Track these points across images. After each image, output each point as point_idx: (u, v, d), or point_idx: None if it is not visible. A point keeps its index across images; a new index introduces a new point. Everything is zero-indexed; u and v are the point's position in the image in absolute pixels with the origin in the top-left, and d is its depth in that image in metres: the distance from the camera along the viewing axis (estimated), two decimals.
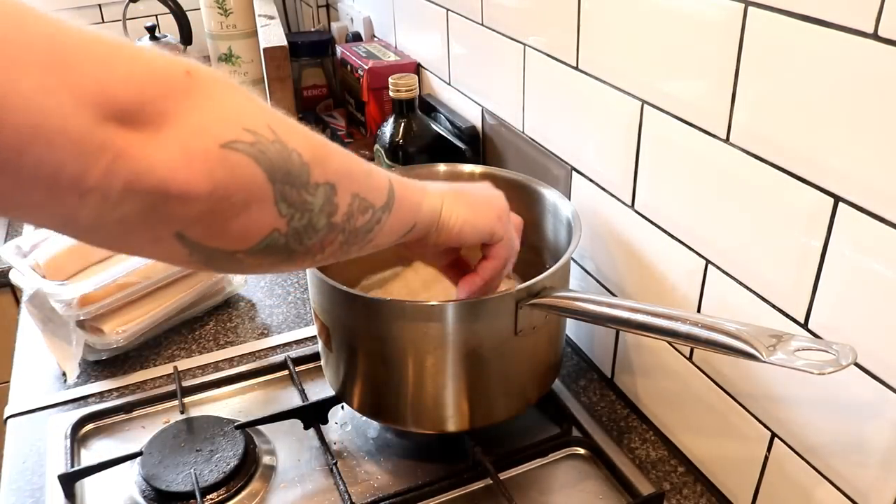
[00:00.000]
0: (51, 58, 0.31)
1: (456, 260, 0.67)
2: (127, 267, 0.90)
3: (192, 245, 0.39)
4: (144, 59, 0.35)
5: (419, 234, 0.57)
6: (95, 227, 0.36)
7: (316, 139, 0.44)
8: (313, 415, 0.78)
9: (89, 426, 0.82)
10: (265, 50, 1.14)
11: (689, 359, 0.71)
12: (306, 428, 0.78)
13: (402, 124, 1.00)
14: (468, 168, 0.88)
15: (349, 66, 1.26)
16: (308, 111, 1.49)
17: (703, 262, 0.66)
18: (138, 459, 0.75)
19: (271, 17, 1.34)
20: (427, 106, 1.14)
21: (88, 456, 0.78)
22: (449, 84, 1.10)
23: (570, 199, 0.82)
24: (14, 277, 0.93)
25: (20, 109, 0.30)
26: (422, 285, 0.83)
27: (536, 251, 0.84)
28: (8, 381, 0.89)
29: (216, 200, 0.37)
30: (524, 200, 0.83)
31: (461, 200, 0.59)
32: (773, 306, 0.59)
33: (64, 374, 0.88)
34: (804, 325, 0.57)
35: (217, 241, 0.40)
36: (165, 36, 1.54)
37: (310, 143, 0.43)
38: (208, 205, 0.37)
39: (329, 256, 0.48)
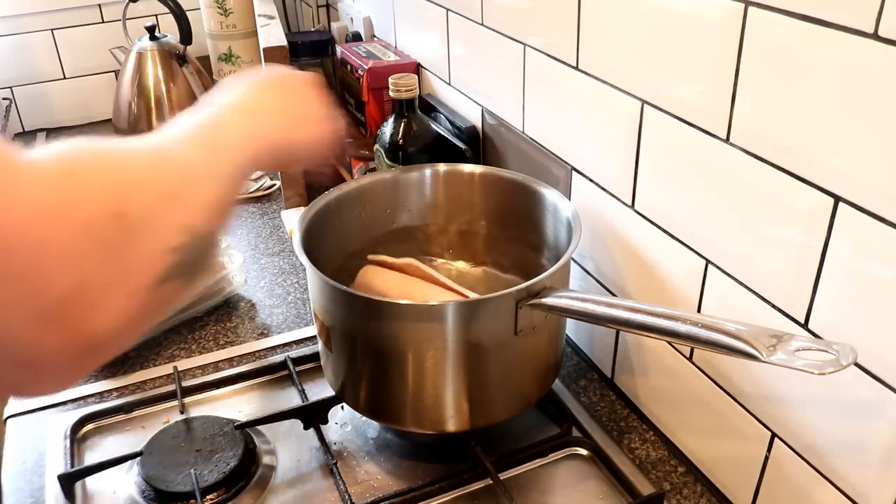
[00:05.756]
0: None
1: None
2: None
3: None
4: None
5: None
6: None
7: None
8: (313, 415, 0.78)
9: (89, 426, 0.82)
10: (265, 50, 1.14)
11: (689, 359, 0.71)
12: (306, 428, 0.78)
13: (402, 124, 1.00)
14: (468, 168, 0.88)
15: (349, 66, 1.26)
16: None
17: (703, 262, 0.66)
18: (138, 459, 0.75)
19: (271, 17, 1.34)
20: (427, 106, 1.14)
21: (88, 456, 0.78)
22: (449, 84, 1.10)
23: (570, 199, 0.82)
24: None
25: None
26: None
27: (536, 251, 0.84)
28: None
29: None
30: (524, 200, 0.83)
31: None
32: (773, 306, 0.59)
33: None
34: (804, 325, 0.57)
35: None
36: (165, 36, 1.54)
37: None
38: None
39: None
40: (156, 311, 0.40)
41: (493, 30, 0.92)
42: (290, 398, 0.85)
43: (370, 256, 0.84)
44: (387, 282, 0.80)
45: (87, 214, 0.35)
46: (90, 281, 0.35)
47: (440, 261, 0.91)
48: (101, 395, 0.86)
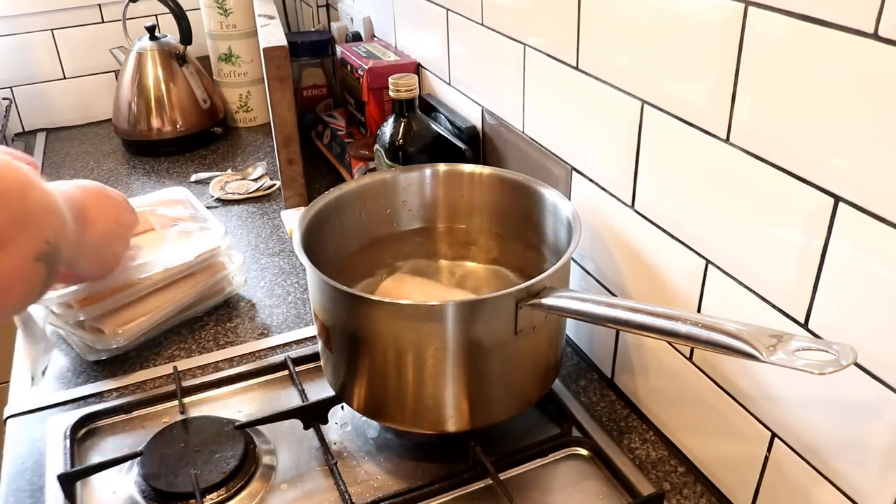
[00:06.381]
0: None
1: None
2: (127, 268, 0.90)
3: None
4: None
5: None
6: None
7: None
8: (313, 415, 0.78)
9: (89, 426, 0.82)
10: (265, 50, 1.14)
11: (689, 359, 0.71)
12: (306, 428, 0.78)
13: (402, 124, 1.00)
14: (468, 168, 0.88)
15: (349, 66, 1.26)
16: (308, 111, 1.49)
17: (703, 262, 0.66)
18: (138, 459, 0.75)
19: (271, 17, 1.34)
20: (427, 106, 1.14)
21: (88, 456, 0.78)
22: (449, 84, 1.10)
23: (570, 199, 0.82)
24: None
25: None
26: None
27: (536, 251, 0.84)
28: (8, 381, 0.89)
29: None
30: (524, 200, 0.83)
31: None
32: (773, 306, 0.59)
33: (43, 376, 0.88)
34: (804, 325, 0.57)
35: None
36: (165, 36, 1.54)
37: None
38: None
39: None
40: (31, 283, 0.60)
41: (493, 30, 0.92)
42: (290, 398, 0.85)
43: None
44: (406, 286, 0.81)
45: (4, 187, 0.56)
46: (2, 227, 0.55)
47: (440, 262, 0.91)
48: (101, 395, 0.86)
